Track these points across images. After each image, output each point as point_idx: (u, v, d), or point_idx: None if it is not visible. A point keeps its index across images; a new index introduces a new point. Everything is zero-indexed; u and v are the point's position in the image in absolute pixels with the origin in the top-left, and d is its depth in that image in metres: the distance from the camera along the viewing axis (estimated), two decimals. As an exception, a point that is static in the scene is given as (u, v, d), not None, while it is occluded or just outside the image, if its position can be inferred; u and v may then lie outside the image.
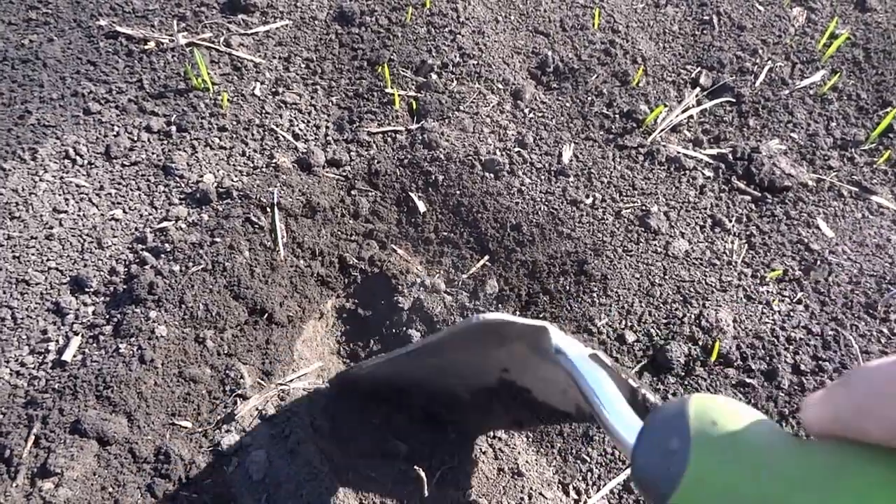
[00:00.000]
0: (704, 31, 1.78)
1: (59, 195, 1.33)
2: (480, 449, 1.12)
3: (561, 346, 0.81)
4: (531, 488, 1.06)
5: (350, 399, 1.16)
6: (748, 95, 1.63)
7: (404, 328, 1.30)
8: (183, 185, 1.36)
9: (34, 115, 1.46)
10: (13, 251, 1.24)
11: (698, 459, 0.48)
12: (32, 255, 1.24)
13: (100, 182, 1.36)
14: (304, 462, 1.01)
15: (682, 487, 0.48)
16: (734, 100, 1.63)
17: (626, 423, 0.66)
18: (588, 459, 1.10)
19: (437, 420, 1.15)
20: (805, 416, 0.43)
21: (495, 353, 0.97)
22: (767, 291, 1.29)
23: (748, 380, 1.17)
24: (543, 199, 1.40)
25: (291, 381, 1.19)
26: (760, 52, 1.73)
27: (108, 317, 1.16)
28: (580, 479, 1.09)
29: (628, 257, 1.33)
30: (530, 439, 1.15)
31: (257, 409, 1.13)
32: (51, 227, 1.28)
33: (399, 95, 1.54)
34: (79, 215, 1.31)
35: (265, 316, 1.24)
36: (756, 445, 0.46)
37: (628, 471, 1.08)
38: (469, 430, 1.14)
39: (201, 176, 1.38)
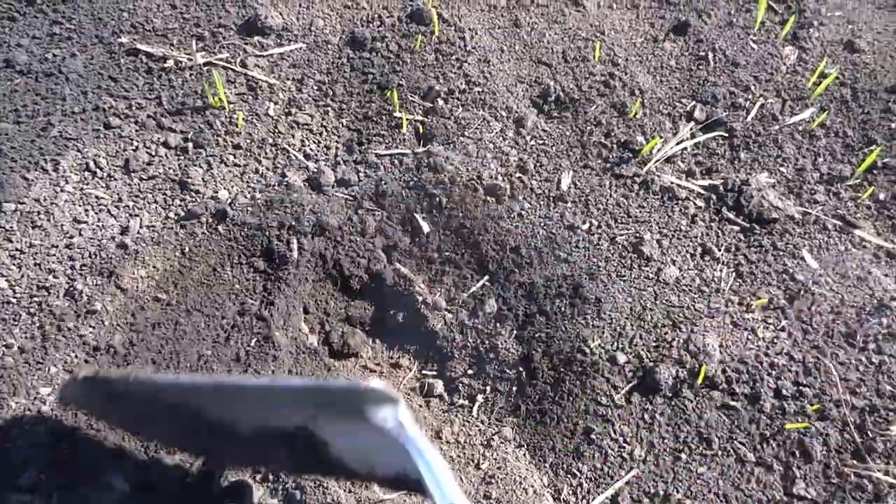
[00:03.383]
0: (700, 67, 1.86)
1: (80, 206, 1.39)
2: (472, 461, 1.18)
3: (405, 422, 0.83)
4: (524, 502, 1.11)
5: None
6: (740, 130, 1.70)
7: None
8: (198, 199, 1.42)
9: (56, 127, 1.53)
10: (35, 258, 1.30)
11: None
12: (53, 262, 1.30)
13: (118, 194, 1.42)
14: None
15: None
16: (726, 134, 1.70)
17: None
18: (578, 474, 1.16)
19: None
20: None
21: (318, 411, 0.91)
22: (753, 318, 1.35)
23: (732, 402, 1.23)
24: (542, 224, 1.46)
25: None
26: (753, 88, 1.81)
27: (124, 324, 1.22)
28: (570, 492, 1.15)
29: (621, 282, 1.39)
30: (522, 453, 1.20)
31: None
32: (71, 237, 1.34)
33: (407, 119, 1.61)
34: (98, 225, 1.37)
35: (271, 329, 1.30)
36: None
37: (617, 484, 1.14)
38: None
39: (216, 191, 1.44)
